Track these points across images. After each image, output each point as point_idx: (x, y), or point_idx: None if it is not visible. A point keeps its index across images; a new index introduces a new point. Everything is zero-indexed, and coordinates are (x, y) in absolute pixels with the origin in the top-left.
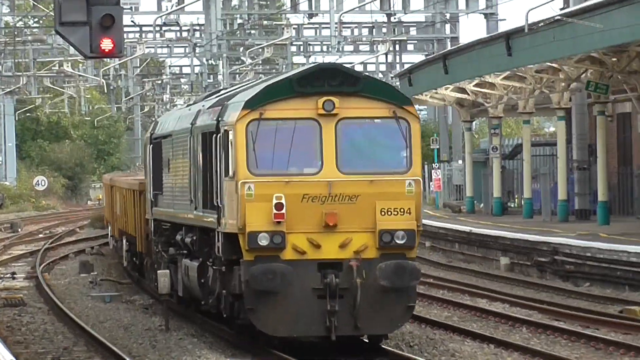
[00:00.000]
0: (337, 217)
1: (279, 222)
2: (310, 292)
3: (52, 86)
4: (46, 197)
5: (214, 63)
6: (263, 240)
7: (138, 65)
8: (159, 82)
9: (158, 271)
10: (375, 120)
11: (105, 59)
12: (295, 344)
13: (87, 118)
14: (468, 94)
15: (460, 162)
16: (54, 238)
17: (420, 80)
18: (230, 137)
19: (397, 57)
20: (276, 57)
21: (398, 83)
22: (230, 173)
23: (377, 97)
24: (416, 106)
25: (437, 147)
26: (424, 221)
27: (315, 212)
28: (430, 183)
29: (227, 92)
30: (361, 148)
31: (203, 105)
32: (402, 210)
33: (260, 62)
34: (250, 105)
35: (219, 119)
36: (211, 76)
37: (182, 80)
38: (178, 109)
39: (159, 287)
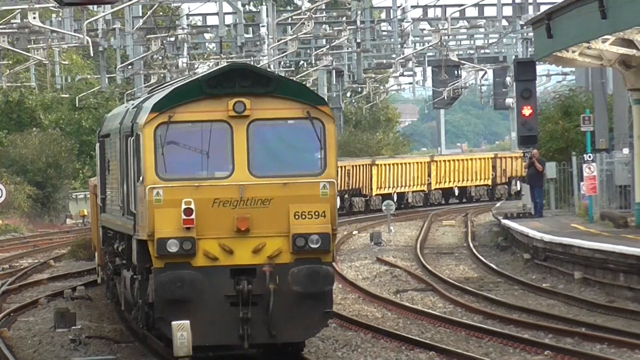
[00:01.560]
0: (250, 221)
1: (188, 228)
2: (222, 300)
3: (11, 48)
4: (4, 215)
5: (254, 9)
6: (172, 247)
7: (140, 14)
8: (172, 39)
9: (172, 323)
10: (289, 121)
11: (90, 7)
12: (218, 356)
13: (64, 95)
14: (639, 49)
15: (625, 151)
16: (16, 275)
17: (565, 29)
18: (140, 140)
19: None
20: None
21: (531, 34)
22: (141, 178)
23: (290, 97)
24: (560, 68)
25: (591, 129)
26: (570, 240)
27: (227, 216)
28: (581, 184)
29: (163, 87)
30: (274, 150)
31: (132, 104)
32: (316, 213)
33: (323, 5)
34: (158, 108)
35: (134, 121)
36: (250, 29)
37: (207, 35)
38: (125, 105)
39: (174, 348)
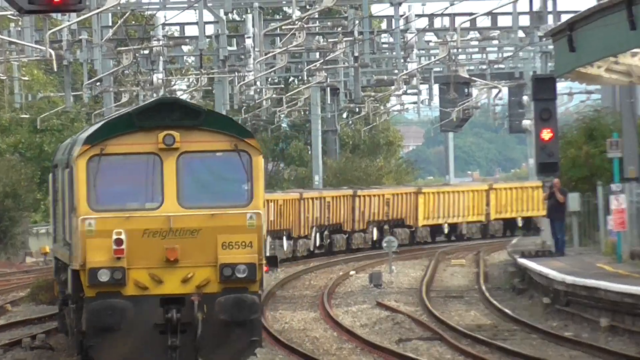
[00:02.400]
0: (179, 251)
1: (119, 258)
2: (152, 328)
3: None
4: None
5: (238, 18)
6: (103, 276)
7: (110, 24)
8: (146, 51)
9: None
10: (217, 154)
11: (53, 15)
12: None
13: (24, 115)
14: None
15: None
16: None
17: (589, 42)
18: (74, 172)
19: (550, 2)
20: (343, 4)
21: (550, 47)
22: (74, 209)
23: (218, 130)
24: (584, 85)
25: (619, 154)
26: (596, 282)
27: (156, 247)
28: (608, 218)
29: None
30: (202, 182)
31: (80, 135)
32: (243, 243)
33: (316, 14)
34: (91, 140)
35: (69, 153)
36: (234, 41)
37: (186, 48)
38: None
39: None
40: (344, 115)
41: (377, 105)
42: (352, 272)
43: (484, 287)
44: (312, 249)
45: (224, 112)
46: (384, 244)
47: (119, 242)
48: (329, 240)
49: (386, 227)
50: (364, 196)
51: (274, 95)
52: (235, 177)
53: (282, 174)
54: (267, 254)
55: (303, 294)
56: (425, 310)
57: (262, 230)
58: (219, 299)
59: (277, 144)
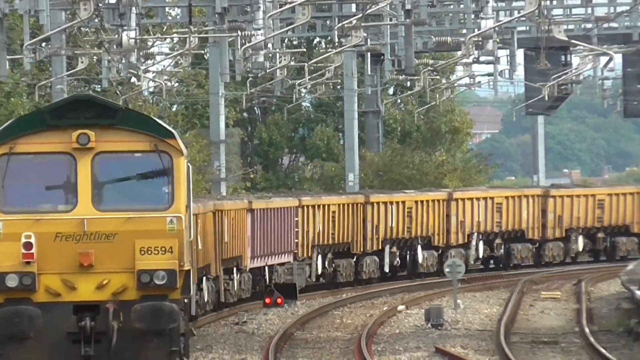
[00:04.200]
0: (93, 256)
1: (28, 262)
2: (64, 337)
3: None
4: None
5: None
6: (11, 282)
7: None
8: (113, 0)
9: None
10: (135, 155)
11: None
12: None
13: None
14: None
15: None
16: None
17: None
18: None
19: None
20: None
21: None
22: None
23: (137, 129)
24: None
25: None
26: None
27: (69, 251)
28: None
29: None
30: (119, 184)
31: None
32: (162, 249)
33: None
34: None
35: None
36: None
37: None
38: None
39: None
40: (390, 92)
41: (437, 77)
42: (400, 307)
43: (587, 330)
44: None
45: (222, 85)
46: (446, 269)
47: (28, 245)
48: (397, 262)
49: (498, 240)
50: (462, 200)
51: (292, 63)
52: (154, 179)
53: (302, 170)
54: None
55: (332, 336)
56: None
57: (184, 235)
58: (135, 307)
59: (295, 130)
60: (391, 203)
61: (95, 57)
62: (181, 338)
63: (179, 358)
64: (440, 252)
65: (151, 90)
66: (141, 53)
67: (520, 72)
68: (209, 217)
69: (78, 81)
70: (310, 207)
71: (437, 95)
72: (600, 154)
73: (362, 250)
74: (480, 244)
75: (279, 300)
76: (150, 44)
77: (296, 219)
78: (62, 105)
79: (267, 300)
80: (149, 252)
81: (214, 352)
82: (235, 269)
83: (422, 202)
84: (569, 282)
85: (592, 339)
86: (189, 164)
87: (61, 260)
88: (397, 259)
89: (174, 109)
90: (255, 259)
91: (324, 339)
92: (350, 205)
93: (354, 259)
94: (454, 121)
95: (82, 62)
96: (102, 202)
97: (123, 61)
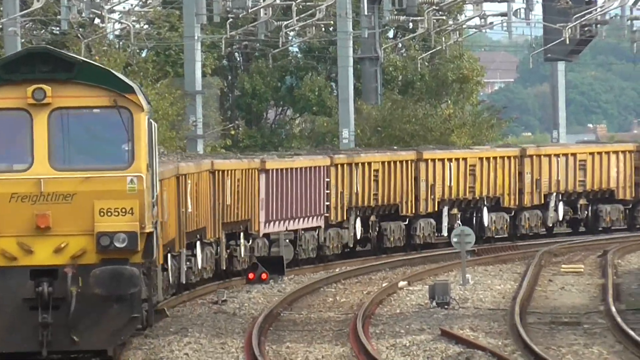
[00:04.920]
0: (50, 218)
1: None
2: (20, 303)
3: None
4: None
5: None
6: None
7: None
8: None
9: None
10: (94, 110)
11: None
12: None
13: None
14: None
15: None
16: None
17: None
18: None
19: None
20: None
21: None
22: None
23: (95, 84)
24: None
25: None
26: None
27: (25, 213)
28: None
29: None
30: (77, 141)
31: None
32: (123, 210)
33: None
34: None
35: None
36: None
37: None
38: None
39: None
40: (390, 35)
41: (443, 18)
42: (401, 283)
43: (614, 309)
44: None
45: (197, 27)
46: (453, 239)
47: None
48: (458, 224)
49: (583, 201)
50: (538, 156)
51: (278, 1)
52: (114, 137)
53: (289, 126)
54: (276, 254)
55: (324, 317)
56: (519, 345)
57: (145, 196)
58: (94, 271)
59: (282, 80)
60: (449, 160)
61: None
62: (144, 304)
63: (141, 325)
64: (513, 214)
65: (117, 33)
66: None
67: (538, 11)
68: (204, 176)
69: (33, 23)
70: (345, 165)
71: (443, 39)
72: (629, 105)
73: (413, 212)
74: (561, 205)
75: (263, 276)
76: None
77: (327, 179)
78: (16, 58)
79: (251, 276)
80: (109, 213)
81: (190, 336)
82: (242, 233)
83: (487, 159)
84: (593, 253)
85: (619, 319)
86: (152, 120)
87: (17, 222)
88: (458, 221)
89: (143, 55)
90: (271, 224)
91: (315, 320)
92: (398, 162)
93: (406, 222)
94: (463, 68)
95: (38, 0)
96: (59, 160)
97: (81, 4)
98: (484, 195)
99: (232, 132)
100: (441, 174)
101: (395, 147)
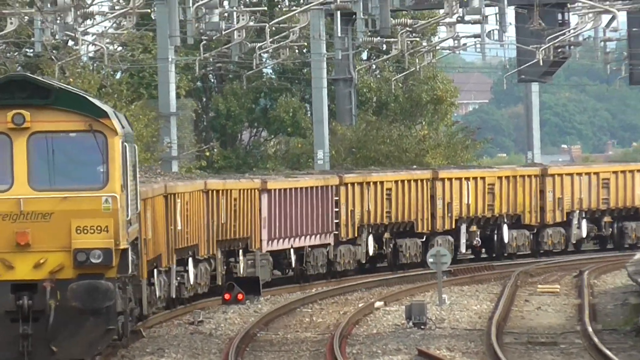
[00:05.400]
0: (30, 235)
1: None
2: (2, 315)
3: None
4: None
5: None
6: None
7: None
8: None
9: None
10: (70, 134)
11: None
12: None
13: None
14: None
15: None
16: None
17: None
18: None
19: None
20: None
21: None
22: None
23: (72, 109)
24: None
25: None
26: None
27: (6, 230)
28: None
29: None
30: (55, 163)
31: None
32: (98, 228)
33: None
34: None
35: None
36: None
37: None
38: None
39: None
40: (364, 56)
41: (417, 40)
42: (378, 304)
43: (590, 329)
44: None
45: (171, 49)
46: (429, 259)
47: None
48: (477, 241)
49: (607, 218)
50: (560, 175)
51: (251, 24)
52: (89, 159)
53: (264, 147)
54: (259, 275)
55: (301, 337)
56: None
57: (119, 215)
58: (71, 286)
59: (256, 101)
60: (467, 179)
61: (26, 17)
62: (120, 317)
63: (117, 336)
64: (535, 231)
65: (91, 55)
66: (79, 12)
67: (511, 33)
68: (197, 196)
69: (7, 45)
70: (356, 184)
71: (417, 60)
72: (603, 127)
73: (429, 229)
74: (584, 222)
75: (239, 296)
76: (88, 1)
77: (336, 198)
78: None
79: (227, 296)
80: (85, 231)
81: (166, 356)
82: (240, 251)
83: (507, 177)
84: (569, 273)
85: (595, 339)
86: (126, 143)
87: None
88: (478, 238)
89: (117, 77)
90: (275, 241)
91: (292, 340)
92: (413, 181)
93: (423, 239)
94: (437, 90)
95: (11, 23)
96: (38, 181)
97: (58, 22)
98: (504, 212)
99: (207, 154)
100: (458, 192)
101: (415, 167)
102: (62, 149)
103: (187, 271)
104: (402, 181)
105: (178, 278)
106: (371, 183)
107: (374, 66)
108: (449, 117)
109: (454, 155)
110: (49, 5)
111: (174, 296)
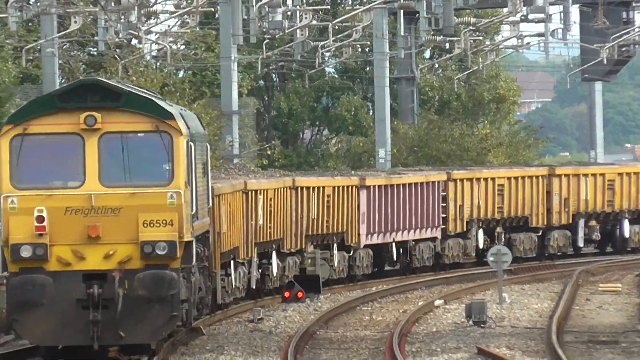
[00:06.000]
0: (100, 229)
1: (40, 235)
2: (74, 303)
3: None
4: None
5: None
6: (25, 252)
7: None
8: None
9: None
10: (138, 134)
11: None
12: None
13: None
14: None
15: None
16: None
17: None
18: None
19: None
20: None
21: None
22: None
23: (139, 111)
24: None
25: None
26: None
27: (78, 224)
28: None
29: None
30: (124, 162)
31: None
32: (164, 221)
33: None
34: (14, 120)
35: None
36: None
37: None
38: None
39: None
40: (427, 55)
41: (480, 39)
42: (438, 302)
43: None
44: None
45: (234, 47)
46: (490, 258)
47: (40, 219)
48: (597, 236)
49: None
50: None
51: (314, 23)
52: (156, 158)
53: (325, 145)
54: (312, 272)
55: (360, 335)
56: None
57: (183, 209)
58: (138, 275)
59: (318, 100)
60: (584, 175)
61: (90, 16)
62: (184, 304)
63: (181, 322)
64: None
65: (154, 54)
66: (142, 11)
67: (575, 31)
68: (282, 192)
69: (71, 44)
70: (465, 180)
71: (480, 59)
72: None
73: (544, 223)
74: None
75: (299, 295)
76: (152, 0)
77: (443, 193)
78: (70, 89)
79: (287, 295)
80: (151, 224)
81: (226, 354)
82: (335, 245)
83: (627, 174)
84: (631, 272)
85: None
86: (192, 142)
87: (71, 232)
88: (597, 232)
89: (180, 76)
90: (373, 235)
91: (351, 338)
92: (527, 178)
93: (539, 233)
94: (499, 88)
95: (75, 21)
96: (107, 178)
97: (122, 21)
98: (625, 208)
99: (268, 152)
100: (576, 188)
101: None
102: (131, 149)
103: (270, 264)
104: (516, 177)
105: (260, 270)
106: (481, 179)
107: (436, 65)
108: (511, 116)
109: (516, 154)
110: (112, 4)
111: (253, 287)
